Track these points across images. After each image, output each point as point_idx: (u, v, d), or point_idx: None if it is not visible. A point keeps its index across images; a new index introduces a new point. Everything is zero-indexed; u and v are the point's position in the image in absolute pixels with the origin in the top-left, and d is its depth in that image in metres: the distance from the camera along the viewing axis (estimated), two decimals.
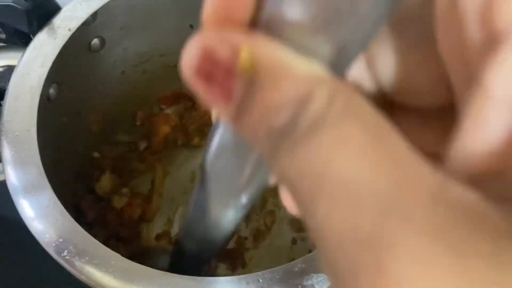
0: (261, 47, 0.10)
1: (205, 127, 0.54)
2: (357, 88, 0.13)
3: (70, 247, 0.26)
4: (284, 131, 0.10)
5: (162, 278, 0.25)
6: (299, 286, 0.26)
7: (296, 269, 0.26)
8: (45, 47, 0.33)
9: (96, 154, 0.50)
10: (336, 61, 0.11)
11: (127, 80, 0.47)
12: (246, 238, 0.48)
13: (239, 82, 0.10)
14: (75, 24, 0.34)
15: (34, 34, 0.35)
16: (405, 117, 0.14)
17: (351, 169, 0.09)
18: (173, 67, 0.50)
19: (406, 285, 0.08)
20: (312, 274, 0.26)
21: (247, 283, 0.26)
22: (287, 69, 0.10)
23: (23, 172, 0.28)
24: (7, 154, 0.29)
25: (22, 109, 0.30)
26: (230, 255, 0.47)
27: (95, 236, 0.44)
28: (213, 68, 0.10)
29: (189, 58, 0.11)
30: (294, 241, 0.49)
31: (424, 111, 0.14)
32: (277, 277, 0.26)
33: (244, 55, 0.10)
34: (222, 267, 0.47)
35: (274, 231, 0.49)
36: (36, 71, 0.32)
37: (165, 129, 0.52)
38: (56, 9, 0.36)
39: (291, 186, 0.10)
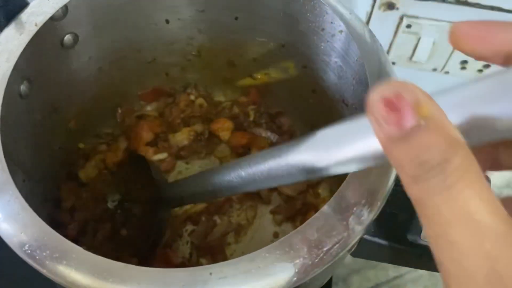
0: (437, 109, 0.16)
1: (190, 119, 0.54)
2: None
3: (32, 241, 0.26)
4: (431, 169, 0.15)
5: (123, 270, 0.25)
6: (263, 276, 0.25)
7: (259, 259, 0.26)
8: (10, 42, 0.33)
9: (81, 145, 0.50)
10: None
11: (105, 76, 0.47)
12: (227, 233, 0.48)
13: (413, 120, 0.15)
14: (42, 19, 0.34)
15: (2, 30, 0.34)
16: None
17: (476, 214, 0.15)
18: (151, 63, 0.50)
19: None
20: (275, 264, 0.26)
21: (210, 274, 0.25)
22: (448, 130, 0.15)
23: None
24: None
25: None
26: (212, 250, 0.47)
27: (74, 220, 0.44)
28: (397, 103, 0.15)
29: (382, 90, 0.16)
30: (276, 235, 0.49)
31: None
32: (241, 267, 0.26)
33: (425, 106, 0.15)
34: (203, 262, 0.47)
35: (255, 225, 0.49)
36: (1, 67, 0.32)
37: (147, 136, 0.52)
38: (24, 4, 0.35)
39: (429, 213, 0.16)
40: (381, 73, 0.33)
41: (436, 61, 0.67)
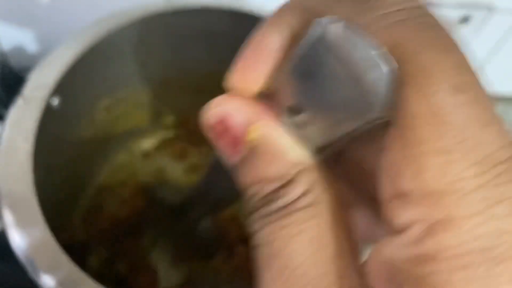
0: (267, 128, 0.13)
1: None
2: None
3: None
4: (264, 199, 0.13)
5: None
6: None
7: None
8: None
9: None
10: (324, 147, 0.13)
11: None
12: None
13: (244, 146, 0.13)
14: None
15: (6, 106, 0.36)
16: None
17: (297, 256, 0.12)
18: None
19: None
20: None
21: None
22: (282, 153, 0.13)
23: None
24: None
25: None
26: None
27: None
28: (226, 129, 0.13)
29: (208, 116, 0.14)
30: None
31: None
32: None
33: (253, 130, 0.13)
34: None
35: None
36: None
37: None
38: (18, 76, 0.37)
39: (255, 244, 0.13)
40: None
41: None
